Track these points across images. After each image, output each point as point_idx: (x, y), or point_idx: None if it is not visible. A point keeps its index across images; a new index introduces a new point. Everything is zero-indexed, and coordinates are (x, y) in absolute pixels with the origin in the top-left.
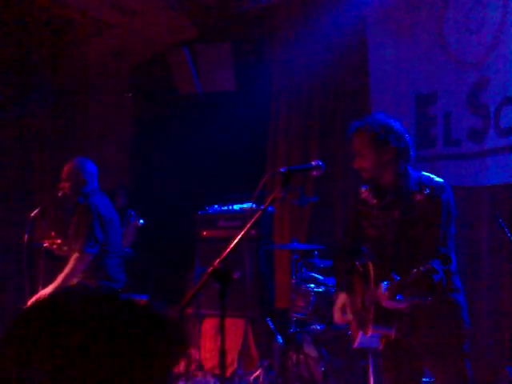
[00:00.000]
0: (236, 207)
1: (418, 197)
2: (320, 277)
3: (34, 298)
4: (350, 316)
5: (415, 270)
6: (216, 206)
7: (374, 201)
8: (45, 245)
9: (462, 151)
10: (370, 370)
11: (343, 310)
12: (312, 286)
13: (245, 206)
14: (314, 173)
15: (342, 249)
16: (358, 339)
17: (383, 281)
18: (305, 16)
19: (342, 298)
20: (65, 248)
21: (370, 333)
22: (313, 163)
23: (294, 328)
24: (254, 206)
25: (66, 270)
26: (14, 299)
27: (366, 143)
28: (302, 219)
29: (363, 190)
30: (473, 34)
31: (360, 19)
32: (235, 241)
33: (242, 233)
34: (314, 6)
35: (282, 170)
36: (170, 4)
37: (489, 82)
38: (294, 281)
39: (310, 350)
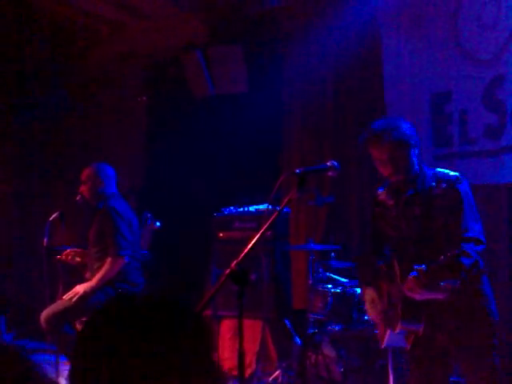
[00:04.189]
0: (252, 209)
1: (436, 191)
2: (337, 277)
3: (69, 294)
4: (380, 306)
5: (443, 257)
6: (232, 208)
7: (391, 201)
8: (58, 257)
9: (479, 149)
10: (390, 369)
11: (373, 303)
12: (329, 286)
13: (260, 207)
14: (330, 173)
15: (363, 252)
16: (386, 338)
17: (409, 275)
18: (317, 17)
19: (368, 293)
20: (77, 259)
21: (398, 329)
22: (328, 164)
23: (312, 329)
24: (270, 207)
25: (102, 272)
26: (35, 301)
27: (394, 148)
28: (317, 220)
29: (380, 192)
30: (488, 31)
31: (373, 18)
32: (252, 242)
33: (259, 234)
34: (327, 7)
35: (297, 171)
36: (182, 7)
37: (505, 79)
38: (310, 281)
39: (329, 351)
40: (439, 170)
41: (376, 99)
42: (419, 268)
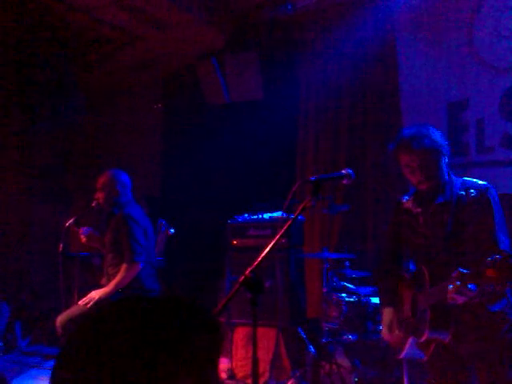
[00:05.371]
0: (266, 216)
1: (465, 199)
2: (352, 286)
3: (84, 299)
4: (396, 332)
5: (490, 259)
6: (246, 215)
7: (419, 209)
8: (75, 228)
9: (495, 158)
10: (405, 380)
11: (390, 327)
12: (344, 295)
13: (275, 214)
14: (344, 181)
15: (383, 261)
16: (407, 349)
17: (441, 282)
18: (333, 24)
19: (387, 314)
20: (91, 242)
21: (424, 338)
22: (343, 172)
23: (326, 338)
24: (285, 214)
25: (118, 278)
26: (50, 306)
27: (424, 155)
28: (332, 228)
29: (404, 200)
30: (504, 40)
31: (389, 26)
32: (266, 250)
33: (273, 242)
34: (342, 14)
35: (311, 178)
36: (198, 15)
37: None
38: (325, 290)
39: (343, 360)
40: (467, 178)
41: (392, 106)
42: (461, 272)
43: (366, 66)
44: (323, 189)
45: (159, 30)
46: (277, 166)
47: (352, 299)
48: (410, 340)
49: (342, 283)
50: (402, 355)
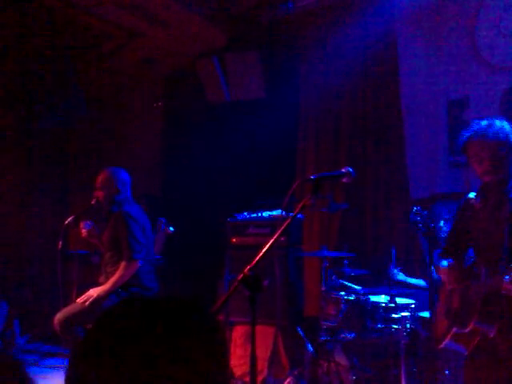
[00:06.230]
0: (265, 214)
1: None
2: (350, 284)
3: (83, 297)
4: (443, 320)
5: None
6: (245, 213)
7: (481, 204)
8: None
9: None
10: (403, 379)
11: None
12: (342, 293)
13: (274, 213)
14: (344, 180)
15: (443, 253)
16: (448, 339)
17: (498, 273)
18: (333, 23)
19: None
20: (90, 238)
21: (469, 328)
22: (343, 170)
23: (324, 336)
24: (284, 213)
25: (116, 276)
26: (49, 303)
27: (496, 147)
28: (331, 226)
29: (470, 196)
30: (505, 38)
31: (390, 25)
32: (265, 248)
33: (272, 240)
34: (343, 13)
35: (311, 177)
36: (199, 14)
37: None
38: (323, 289)
39: (341, 359)
40: None
41: (393, 105)
42: None
43: (366, 65)
44: (323, 187)
45: (160, 28)
46: (277, 165)
47: (351, 297)
48: (453, 331)
49: (340, 281)
50: (442, 345)
